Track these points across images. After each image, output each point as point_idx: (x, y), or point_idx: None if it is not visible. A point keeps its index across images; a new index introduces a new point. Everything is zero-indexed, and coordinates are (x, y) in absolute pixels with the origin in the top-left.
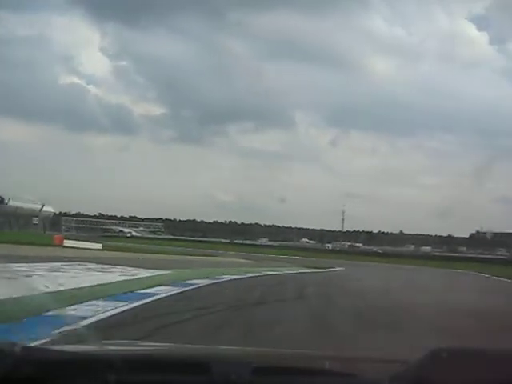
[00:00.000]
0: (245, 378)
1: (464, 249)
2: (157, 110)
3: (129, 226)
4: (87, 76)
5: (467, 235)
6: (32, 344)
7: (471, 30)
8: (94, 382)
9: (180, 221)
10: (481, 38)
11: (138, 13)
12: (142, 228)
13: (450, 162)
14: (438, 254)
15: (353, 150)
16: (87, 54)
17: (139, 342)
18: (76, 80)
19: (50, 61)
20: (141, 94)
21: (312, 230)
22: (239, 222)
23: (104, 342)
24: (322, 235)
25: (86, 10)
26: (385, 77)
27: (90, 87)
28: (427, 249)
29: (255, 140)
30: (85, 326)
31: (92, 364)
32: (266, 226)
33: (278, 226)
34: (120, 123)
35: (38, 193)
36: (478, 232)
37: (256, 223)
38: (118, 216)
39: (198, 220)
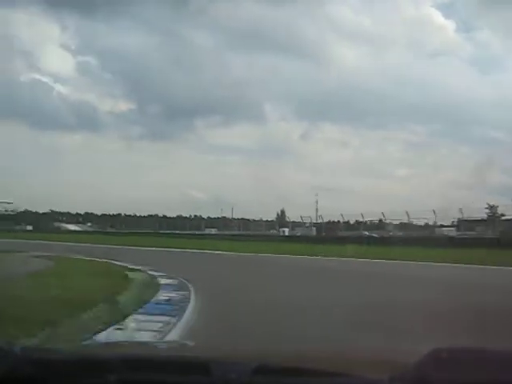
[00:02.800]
0: (245, 378)
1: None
2: (123, 106)
3: (75, 223)
4: (49, 72)
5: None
6: (32, 344)
7: (438, 18)
8: (94, 382)
9: (140, 216)
10: (448, 25)
11: (97, 4)
12: (89, 224)
13: (421, 154)
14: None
15: (324, 143)
16: (48, 50)
17: (139, 342)
18: (37, 77)
19: (9, 58)
20: (106, 89)
21: (288, 222)
22: (205, 216)
23: (104, 342)
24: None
25: (45, 4)
26: (353, 67)
27: (53, 84)
28: (451, 230)
29: (225, 134)
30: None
31: (92, 364)
32: (234, 219)
33: (249, 220)
34: (85, 121)
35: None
36: (459, 219)
37: (223, 216)
38: (73, 213)
39: (160, 215)
